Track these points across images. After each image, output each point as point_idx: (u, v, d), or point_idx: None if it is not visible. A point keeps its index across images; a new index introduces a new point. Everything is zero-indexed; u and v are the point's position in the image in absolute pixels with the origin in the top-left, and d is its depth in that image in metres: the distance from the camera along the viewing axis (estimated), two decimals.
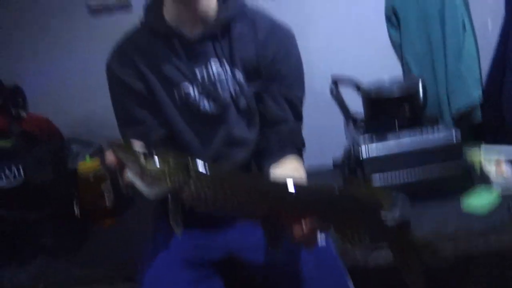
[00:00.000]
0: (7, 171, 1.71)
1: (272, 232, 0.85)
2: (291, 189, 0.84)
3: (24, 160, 1.74)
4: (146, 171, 0.83)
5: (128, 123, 1.23)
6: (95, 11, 2.33)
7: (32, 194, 1.73)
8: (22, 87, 2.39)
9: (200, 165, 0.85)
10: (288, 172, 1.15)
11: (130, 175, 0.85)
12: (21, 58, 2.40)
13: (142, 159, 0.84)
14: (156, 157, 0.84)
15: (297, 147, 1.25)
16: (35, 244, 1.74)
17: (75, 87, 2.40)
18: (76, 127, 2.40)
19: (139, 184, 0.84)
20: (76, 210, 1.96)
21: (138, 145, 0.88)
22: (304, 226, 0.83)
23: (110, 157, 0.88)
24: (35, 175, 1.75)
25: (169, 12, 1.21)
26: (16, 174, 1.72)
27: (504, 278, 1.51)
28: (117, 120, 1.26)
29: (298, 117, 1.27)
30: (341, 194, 0.86)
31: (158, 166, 0.84)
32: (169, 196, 0.84)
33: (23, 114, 2.26)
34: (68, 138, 2.35)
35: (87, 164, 2.02)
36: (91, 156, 2.14)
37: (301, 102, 1.28)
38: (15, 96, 2.37)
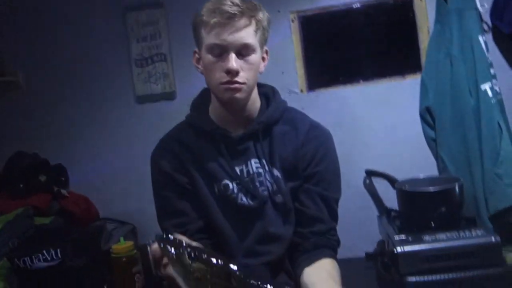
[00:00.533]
0: (44, 253, 1.74)
1: None
2: None
3: (62, 242, 1.78)
4: (189, 272, 0.84)
5: (168, 214, 1.25)
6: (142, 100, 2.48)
7: (66, 276, 1.75)
8: (66, 167, 2.51)
9: (242, 275, 0.85)
10: (323, 277, 1.14)
11: (172, 271, 0.87)
12: (68, 140, 2.53)
13: (187, 259, 0.85)
14: (200, 259, 0.85)
15: (332, 248, 1.25)
16: None
17: (115, 169, 2.49)
18: (112, 207, 2.45)
19: (180, 281, 0.85)
20: None
21: (184, 240, 0.90)
22: None
23: (155, 249, 0.90)
24: (71, 257, 1.77)
25: (215, 111, 1.27)
26: (54, 255, 1.75)
27: None
28: (157, 210, 1.29)
29: (334, 217, 1.28)
30: None
31: (201, 269, 0.84)
32: None
33: (64, 192, 2.35)
34: (104, 218, 2.40)
35: (121, 246, 2.04)
36: (124, 237, 2.17)
37: (337, 203, 1.29)
38: (58, 174, 2.48)
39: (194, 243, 0.91)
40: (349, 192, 2.32)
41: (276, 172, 1.24)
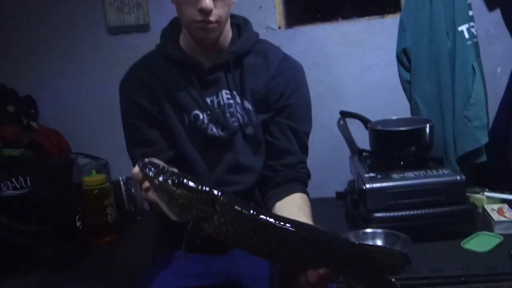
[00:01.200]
0: (13, 180, 1.73)
1: (287, 276, 0.87)
2: (312, 240, 0.85)
3: (31, 171, 1.76)
4: (173, 198, 0.84)
5: (138, 143, 1.24)
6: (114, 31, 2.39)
7: (36, 205, 1.74)
8: (36, 99, 2.44)
9: (228, 200, 0.85)
10: (295, 212, 1.16)
11: (156, 198, 0.86)
12: (37, 71, 2.44)
13: (171, 186, 0.84)
14: (184, 186, 0.85)
15: (302, 181, 1.27)
16: (36, 256, 1.74)
17: (87, 103, 2.44)
18: (84, 141, 2.42)
19: (163, 206, 0.85)
20: (78, 224, 1.97)
21: (165, 166, 0.89)
22: (317, 276, 0.85)
23: (136, 172, 0.90)
24: (41, 186, 1.76)
25: (185, 40, 1.24)
26: (23, 183, 1.74)
27: None
28: (126, 140, 1.28)
29: (305, 150, 1.30)
30: (356, 250, 0.88)
31: (185, 195, 0.84)
32: (190, 224, 0.85)
33: (34, 125, 2.30)
34: (76, 152, 2.38)
35: (92, 179, 2.04)
36: (98, 171, 2.16)
37: (307, 136, 1.30)
38: (28, 106, 2.42)
39: (175, 169, 0.90)
40: (322, 133, 2.37)
41: (247, 104, 1.24)
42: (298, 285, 0.87)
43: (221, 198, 0.84)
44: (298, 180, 1.26)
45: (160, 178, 0.85)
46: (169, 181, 0.85)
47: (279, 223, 0.84)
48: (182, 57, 1.23)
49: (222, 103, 1.23)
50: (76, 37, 2.41)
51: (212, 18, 1.13)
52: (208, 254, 1.25)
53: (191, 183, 0.85)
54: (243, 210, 0.84)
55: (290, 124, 1.26)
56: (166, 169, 0.87)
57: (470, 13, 2.03)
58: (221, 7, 1.14)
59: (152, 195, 0.90)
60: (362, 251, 0.88)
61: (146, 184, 0.92)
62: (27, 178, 1.71)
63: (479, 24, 2.09)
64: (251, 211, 0.85)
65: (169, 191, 0.84)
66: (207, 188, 0.85)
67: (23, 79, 2.41)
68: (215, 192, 0.85)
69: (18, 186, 1.71)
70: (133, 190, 2.30)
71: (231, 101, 1.23)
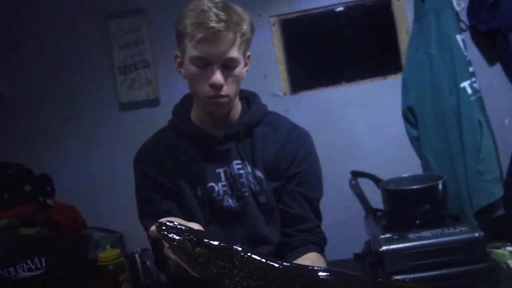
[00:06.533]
0: (29, 262, 1.73)
1: None
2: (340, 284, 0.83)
3: (46, 251, 1.77)
4: (192, 257, 0.84)
5: (153, 214, 1.21)
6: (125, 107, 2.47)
7: (52, 286, 1.73)
8: (51, 177, 2.49)
9: (246, 255, 0.85)
10: (306, 263, 1.14)
11: (173, 256, 0.87)
12: (53, 150, 2.51)
13: (189, 246, 0.85)
14: (202, 245, 0.85)
15: (319, 245, 1.26)
16: None
17: (102, 178, 2.48)
18: (99, 215, 2.44)
19: (184, 265, 0.86)
20: None
21: (183, 225, 0.89)
22: None
23: (154, 233, 0.89)
24: (56, 266, 1.76)
25: (197, 114, 1.28)
26: (38, 264, 1.74)
27: None
28: (140, 212, 1.27)
29: (318, 216, 1.30)
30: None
31: (204, 253, 0.84)
32: (210, 281, 0.85)
33: (50, 202, 2.33)
34: (91, 227, 2.39)
35: (107, 254, 2.03)
36: (112, 245, 2.16)
37: (319, 202, 1.31)
38: (44, 184, 2.46)
39: (193, 225, 0.91)
40: (335, 194, 2.36)
41: (259, 173, 1.25)
42: None
43: (240, 252, 0.84)
44: (315, 243, 1.25)
45: (178, 238, 0.86)
46: (186, 240, 0.85)
47: (301, 269, 0.84)
48: (194, 130, 1.25)
49: (233, 173, 1.24)
50: (89, 115, 2.50)
51: (223, 92, 1.17)
52: None
53: (208, 240, 0.85)
54: (262, 261, 0.84)
55: (302, 191, 1.26)
56: (183, 229, 0.88)
57: (471, 69, 2.08)
58: (231, 82, 1.18)
59: (171, 254, 0.89)
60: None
61: (166, 244, 0.91)
62: (42, 259, 1.72)
63: (481, 79, 2.13)
64: (270, 262, 0.84)
65: (188, 250, 0.84)
66: (225, 244, 0.85)
67: (39, 158, 2.48)
68: (234, 247, 0.85)
69: (33, 268, 1.71)
70: (148, 263, 2.28)
71: (242, 171, 1.24)
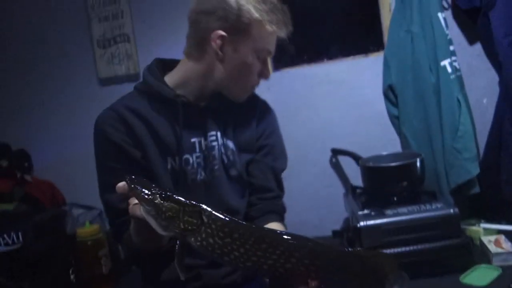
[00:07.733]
0: (5, 236, 1.71)
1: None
2: (304, 246, 0.85)
3: (23, 226, 1.75)
4: (160, 212, 0.85)
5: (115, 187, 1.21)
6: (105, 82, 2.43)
7: (28, 261, 1.72)
8: (29, 152, 2.46)
9: (214, 212, 0.86)
10: None
11: (143, 212, 0.87)
12: (30, 124, 2.47)
13: (158, 199, 0.85)
14: (171, 199, 0.86)
15: (279, 213, 1.31)
16: None
17: (80, 153, 2.44)
18: (78, 192, 2.42)
19: (151, 222, 0.86)
20: (72, 277, 1.94)
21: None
22: (310, 285, 0.84)
23: (123, 189, 0.89)
24: (33, 241, 1.75)
25: (173, 81, 1.23)
26: (15, 239, 1.72)
27: None
28: (100, 183, 1.21)
29: (281, 187, 1.36)
30: (350, 255, 0.89)
31: (174, 207, 0.85)
32: (178, 238, 0.86)
33: (28, 178, 2.30)
34: (70, 203, 2.37)
35: (86, 230, 2.03)
36: (91, 222, 2.15)
37: (281, 173, 1.36)
38: (21, 160, 2.42)
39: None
40: (315, 171, 2.38)
41: (231, 145, 1.26)
42: None
43: (208, 209, 0.86)
44: (274, 212, 1.30)
45: (148, 192, 0.86)
46: (157, 195, 0.86)
47: (266, 230, 0.88)
48: (175, 95, 1.19)
49: (208, 145, 1.23)
50: (68, 90, 2.45)
51: None
52: None
53: (178, 197, 0.87)
54: (230, 220, 0.86)
55: (268, 162, 1.31)
56: (153, 185, 0.88)
57: (451, 48, 2.08)
58: None
59: (139, 211, 0.88)
60: (350, 255, 0.89)
61: (134, 200, 0.90)
62: (19, 233, 1.70)
63: (461, 58, 2.14)
64: (238, 221, 0.87)
65: (157, 204, 0.85)
66: (194, 202, 0.87)
67: (16, 133, 2.44)
68: (202, 205, 0.87)
69: (10, 242, 1.69)
70: None
71: (215, 143, 1.24)
